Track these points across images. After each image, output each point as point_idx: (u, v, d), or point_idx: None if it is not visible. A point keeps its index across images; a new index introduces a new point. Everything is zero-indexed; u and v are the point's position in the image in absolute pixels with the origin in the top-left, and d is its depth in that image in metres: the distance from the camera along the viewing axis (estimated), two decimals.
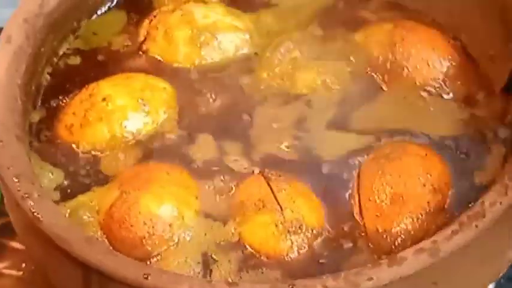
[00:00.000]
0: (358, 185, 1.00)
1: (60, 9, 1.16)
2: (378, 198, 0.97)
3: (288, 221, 0.96)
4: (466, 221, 0.85)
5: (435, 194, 0.96)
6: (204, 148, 1.07)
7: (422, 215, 0.95)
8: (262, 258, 0.95)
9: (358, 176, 1.01)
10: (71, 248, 0.86)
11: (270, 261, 0.95)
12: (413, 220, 0.95)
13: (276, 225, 0.96)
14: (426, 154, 1.00)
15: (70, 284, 0.91)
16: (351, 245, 0.96)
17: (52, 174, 1.04)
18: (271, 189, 0.98)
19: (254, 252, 0.96)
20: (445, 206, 0.97)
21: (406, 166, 0.99)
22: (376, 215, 0.97)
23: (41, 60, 1.14)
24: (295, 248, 0.95)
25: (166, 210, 0.98)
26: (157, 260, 0.96)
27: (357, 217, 0.98)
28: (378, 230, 0.96)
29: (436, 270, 0.84)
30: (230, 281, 0.92)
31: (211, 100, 1.12)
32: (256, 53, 1.17)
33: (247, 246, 0.96)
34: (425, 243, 0.84)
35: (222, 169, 1.04)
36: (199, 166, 1.05)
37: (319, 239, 0.96)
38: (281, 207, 0.97)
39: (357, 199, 0.99)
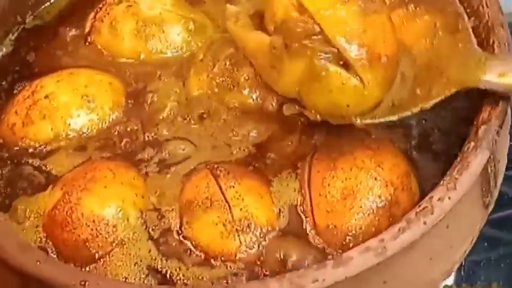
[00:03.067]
0: (309, 179, 0.97)
1: (1, 3, 1.14)
2: (329, 193, 0.94)
3: (236, 219, 0.93)
4: (414, 217, 0.82)
5: (387, 188, 0.93)
6: (151, 145, 1.04)
7: (373, 210, 0.92)
8: (209, 258, 0.92)
9: (309, 170, 0.98)
10: (5, 255, 0.83)
11: (217, 262, 0.92)
12: (364, 215, 0.92)
13: (224, 225, 0.93)
14: (378, 147, 0.97)
15: None
16: (301, 243, 0.93)
17: None
18: (219, 186, 0.95)
19: (201, 253, 0.93)
20: (399, 200, 0.94)
21: (357, 160, 0.96)
22: (327, 211, 0.94)
23: None
24: (244, 248, 0.92)
25: (110, 211, 0.95)
26: (103, 262, 0.93)
27: (307, 214, 0.95)
28: (329, 226, 0.93)
29: (384, 269, 0.82)
30: (174, 284, 0.90)
31: (156, 97, 1.08)
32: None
33: (195, 246, 0.93)
34: (372, 242, 0.81)
35: (169, 166, 1.01)
36: (146, 164, 1.02)
37: (269, 237, 0.94)
38: (229, 206, 0.94)
39: (307, 195, 0.96)
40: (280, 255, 0.92)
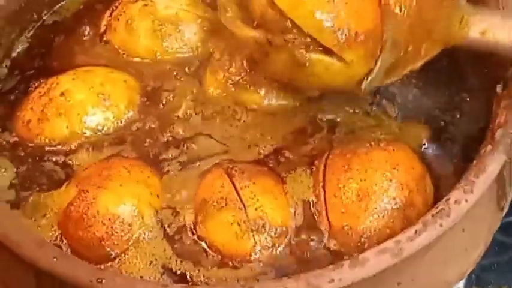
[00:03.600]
0: (324, 180, 0.97)
1: (18, 0, 1.13)
2: (344, 194, 0.95)
3: (251, 219, 0.93)
4: (431, 219, 0.83)
5: (402, 190, 0.93)
6: (166, 144, 1.04)
7: (388, 212, 0.93)
8: (224, 259, 0.92)
9: (324, 171, 0.98)
10: (21, 251, 0.84)
11: (232, 262, 0.92)
12: (379, 217, 0.93)
13: (239, 224, 0.93)
14: (393, 149, 0.97)
15: (23, 286, 0.88)
16: (316, 243, 0.94)
17: (6, 171, 1.02)
18: (234, 186, 0.96)
19: (216, 253, 0.93)
20: (414, 202, 0.94)
21: (372, 161, 0.96)
22: (342, 212, 0.94)
23: None
24: (259, 248, 0.92)
25: (126, 210, 0.95)
26: (118, 261, 0.93)
27: (321, 214, 0.95)
28: (343, 227, 0.93)
29: (400, 271, 0.82)
30: (189, 284, 0.89)
31: (171, 96, 1.09)
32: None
33: (209, 246, 0.93)
34: (388, 243, 0.81)
35: (186, 166, 1.02)
36: (162, 163, 1.02)
37: (284, 238, 0.94)
38: (244, 205, 0.94)
39: (322, 195, 0.96)
40: (295, 255, 0.93)
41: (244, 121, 1.06)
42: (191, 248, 0.94)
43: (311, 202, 0.97)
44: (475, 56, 1.02)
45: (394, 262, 0.80)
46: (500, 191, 0.93)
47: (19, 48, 1.17)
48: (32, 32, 1.20)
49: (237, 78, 1.07)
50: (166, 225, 0.95)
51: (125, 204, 0.95)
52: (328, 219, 0.95)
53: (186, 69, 1.11)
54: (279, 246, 0.93)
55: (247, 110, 1.06)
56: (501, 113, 0.91)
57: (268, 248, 0.93)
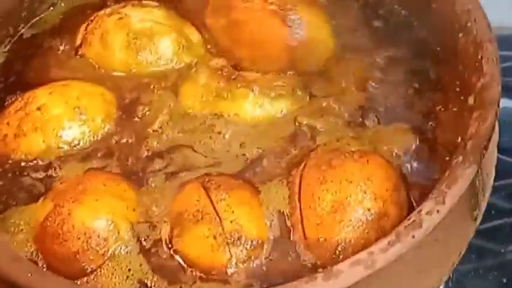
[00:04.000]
0: (300, 192, 0.98)
1: None
2: (319, 206, 0.95)
3: (226, 232, 0.93)
4: (403, 230, 0.83)
5: (376, 201, 0.94)
6: (145, 158, 1.04)
7: (363, 223, 0.93)
8: (198, 272, 0.93)
9: (300, 183, 0.98)
10: None
11: (207, 276, 0.92)
12: (353, 228, 0.93)
13: (215, 237, 0.93)
14: (368, 160, 0.97)
15: None
16: (293, 255, 0.94)
17: None
18: (210, 199, 0.96)
19: (191, 266, 0.93)
20: (388, 212, 0.94)
21: (346, 173, 0.96)
22: (317, 224, 0.94)
23: None
24: (234, 261, 0.93)
25: (101, 224, 0.95)
26: (94, 276, 0.93)
27: (297, 226, 0.96)
28: (319, 239, 0.93)
29: (374, 282, 0.82)
30: None
31: (147, 109, 1.09)
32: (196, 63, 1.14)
33: (184, 260, 0.94)
34: (361, 255, 0.81)
35: (163, 179, 1.02)
36: (138, 177, 1.02)
37: (260, 250, 0.94)
38: (220, 218, 0.94)
39: (297, 207, 0.96)
40: (271, 268, 0.93)
41: (223, 133, 1.06)
42: (167, 262, 0.94)
43: (287, 214, 0.97)
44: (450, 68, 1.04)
45: (367, 273, 0.80)
46: (473, 201, 0.93)
47: None
48: (8, 46, 1.20)
49: (214, 89, 1.08)
50: (142, 239, 0.95)
51: (100, 218, 0.95)
52: (303, 231, 0.95)
53: (162, 83, 1.12)
54: (255, 258, 0.93)
55: (226, 122, 1.07)
56: (472, 124, 0.91)
57: (244, 261, 0.93)
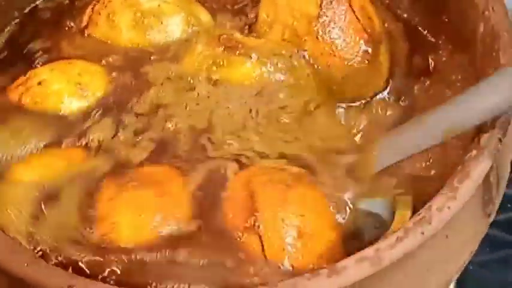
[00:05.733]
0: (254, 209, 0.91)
1: None
2: (285, 232, 0.90)
3: None
4: (412, 227, 0.80)
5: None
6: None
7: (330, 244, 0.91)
8: None
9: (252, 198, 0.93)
10: None
11: None
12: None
13: None
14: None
15: None
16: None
17: None
18: None
19: None
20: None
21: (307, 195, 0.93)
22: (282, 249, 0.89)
23: None
24: None
25: None
26: None
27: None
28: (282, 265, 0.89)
29: (380, 279, 0.79)
30: None
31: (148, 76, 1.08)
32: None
33: None
34: (368, 252, 0.78)
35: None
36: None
37: None
38: None
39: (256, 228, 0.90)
40: None
41: (215, 99, 1.04)
42: None
43: None
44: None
45: (373, 271, 0.77)
46: (487, 197, 0.90)
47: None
48: (13, 27, 1.19)
49: (216, 57, 1.06)
50: None
51: None
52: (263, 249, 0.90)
53: (166, 54, 1.10)
54: None
55: (219, 87, 1.05)
56: None
57: None
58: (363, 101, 1.06)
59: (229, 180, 0.95)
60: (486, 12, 0.98)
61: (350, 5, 1.04)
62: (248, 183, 0.92)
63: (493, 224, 0.95)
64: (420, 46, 1.12)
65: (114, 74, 1.08)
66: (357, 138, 1.03)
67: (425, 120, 0.90)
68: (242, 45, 1.07)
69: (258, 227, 0.89)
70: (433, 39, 1.12)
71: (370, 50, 1.04)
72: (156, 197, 0.93)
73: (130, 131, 1.01)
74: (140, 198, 0.93)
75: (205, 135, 1.00)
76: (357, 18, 1.04)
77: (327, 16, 1.04)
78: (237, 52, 1.06)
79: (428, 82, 1.08)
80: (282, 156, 0.99)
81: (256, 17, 1.12)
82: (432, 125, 0.89)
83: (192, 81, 1.05)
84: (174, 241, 0.90)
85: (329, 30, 1.04)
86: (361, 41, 1.04)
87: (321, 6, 1.04)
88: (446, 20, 1.10)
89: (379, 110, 1.06)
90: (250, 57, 1.05)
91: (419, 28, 1.14)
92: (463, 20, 1.05)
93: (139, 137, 1.01)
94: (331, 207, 0.93)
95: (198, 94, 1.04)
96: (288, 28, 1.07)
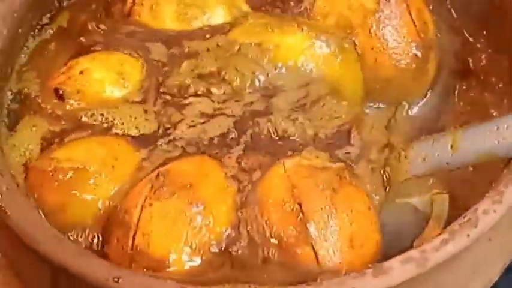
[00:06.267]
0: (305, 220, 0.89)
1: None
2: (337, 239, 0.88)
3: None
4: (458, 229, 0.80)
5: None
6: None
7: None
8: None
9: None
10: (39, 247, 0.82)
11: None
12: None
13: None
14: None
15: (38, 282, 0.87)
16: None
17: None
18: None
19: None
20: None
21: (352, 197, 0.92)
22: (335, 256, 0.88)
23: (18, 41, 1.10)
24: None
25: None
26: None
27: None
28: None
29: (425, 281, 0.80)
30: None
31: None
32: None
33: None
34: (414, 253, 0.79)
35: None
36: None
37: None
38: None
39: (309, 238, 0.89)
40: None
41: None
42: None
43: None
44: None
45: (418, 272, 0.78)
46: None
47: (39, 34, 1.16)
48: (53, 17, 1.18)
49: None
50: None
51: None
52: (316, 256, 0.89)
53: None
54: None
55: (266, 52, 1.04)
56: None
57: None
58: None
59: (271, 183, 0.93)
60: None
61: (408, 6, 1.04)
62: (293, 189, 0.90)
63: None
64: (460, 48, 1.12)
65: (154, 63, 1.07)
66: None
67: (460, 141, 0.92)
68: (296, 20, 1.07)
69: (311, 237, 0.88)
70: (472, 41, 1.12)
71: (420, 55, 1.04)
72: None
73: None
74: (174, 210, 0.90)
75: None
76: (413, 20, 1.04)
77: (383, 12, 1.04)
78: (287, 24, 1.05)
79: (465, 85, 1.08)
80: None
81: (311, 6, 1.11)
82: (467, 147, 0.91)
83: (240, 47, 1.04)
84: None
85: (383, 27, 1.03)
86: (413, 44, 1.04)
87: (379, 2, 1.04)
88: (487, 22, 1.10)
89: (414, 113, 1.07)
90: (302, 30, 1.04)
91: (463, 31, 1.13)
92: (503, 22, 1.05)
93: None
94: (372, 207, 0.93)
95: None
96: (342, 18, 1.06)
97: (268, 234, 0.88)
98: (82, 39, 1.11)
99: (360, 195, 0.92)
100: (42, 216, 0.90)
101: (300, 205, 0.88)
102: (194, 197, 0.89)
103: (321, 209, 0.88)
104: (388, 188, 0.97)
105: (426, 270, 0.78)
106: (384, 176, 0.98)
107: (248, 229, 0.89)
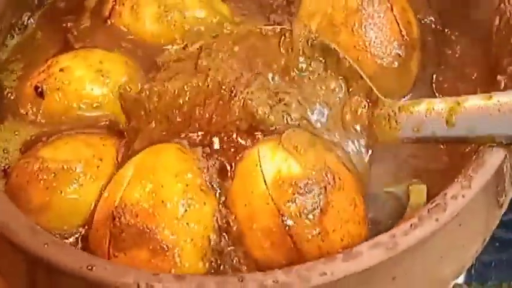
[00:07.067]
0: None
1: None
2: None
3: None
4: (427, 214, 0.81)
5: None
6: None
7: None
8: None
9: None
10: (15, 238, 0.83)
11: None
12: None
13: None
14: None
15: (14, 271, 0.88)
16: None
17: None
18: None
19: None
20: None
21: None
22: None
23: None
24: None
25: None
26: None
27: None
28: None
29: (394, 265, 0.81)
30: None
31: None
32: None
33: None
34: (383, 237, 0.80)
35: None
36: None
37: None
38: None
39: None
40: None
41: None
42: None
43: None
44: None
45: (388, 256, 0.79)
46: (500, 187, 0.91)
47: (20, 31, 1.18)
48: (33, 15, 1.20)
49: None
50: None
51: None
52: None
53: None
54: None
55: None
56: None
57: None
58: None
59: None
60: (502, 5, 0.99)
61: (391, 6, 1.06)
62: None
63: (499, 225, 0.96)
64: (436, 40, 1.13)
65: (133, 60, 1.09)
66: None
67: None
68: None
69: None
70: (448, 33, 1.13)
71: (402, 54, 1.05)
72: None
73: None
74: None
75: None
76: (396, 19, 1.05)
77: (365, 10, 1.05)
78: None
79: (441, 77, 1.09)
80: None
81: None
82: (464, 126, 0.90)
83: None
84: None
85: (365, 25, 1.05)
86: (395, 43, 1.05)
87: (361, 0, 1.06)
88: (462, 13, 1.10)
89: None
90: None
91: (435, 23, 1.14)
92: (478, 14, 1.06)
93: None
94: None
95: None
96: (325, 16, 1.08)
97: None
98: (64, 37, 1.12)
99: (349, 186, 0.94)
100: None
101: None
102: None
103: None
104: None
105: (395, 254, 0.79)
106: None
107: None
